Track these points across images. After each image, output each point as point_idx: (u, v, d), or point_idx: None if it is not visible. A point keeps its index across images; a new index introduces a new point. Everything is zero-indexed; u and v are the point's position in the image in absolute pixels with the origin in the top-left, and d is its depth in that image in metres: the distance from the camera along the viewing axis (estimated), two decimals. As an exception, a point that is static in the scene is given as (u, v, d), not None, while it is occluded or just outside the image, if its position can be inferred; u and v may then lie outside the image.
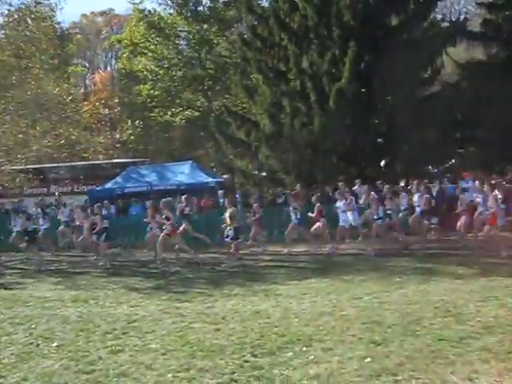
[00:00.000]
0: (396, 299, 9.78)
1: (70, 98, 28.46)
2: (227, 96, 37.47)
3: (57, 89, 26.26)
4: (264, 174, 24.20)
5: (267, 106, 22.76)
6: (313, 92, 21.24)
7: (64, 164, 28.66)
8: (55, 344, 8.14)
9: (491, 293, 9.84)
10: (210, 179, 24.45)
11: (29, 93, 24.76)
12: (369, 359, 6.53)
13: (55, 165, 28.86)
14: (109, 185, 25.59)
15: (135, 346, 7.80)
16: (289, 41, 22.27)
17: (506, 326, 7.61)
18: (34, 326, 9.32)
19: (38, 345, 8.20)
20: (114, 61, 55.90)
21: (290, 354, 6.97)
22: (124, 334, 8.50)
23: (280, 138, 22.15)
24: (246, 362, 6.78)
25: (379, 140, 22.61)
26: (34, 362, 7.38)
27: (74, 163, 28.94)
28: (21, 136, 25.16)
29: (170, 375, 6.47)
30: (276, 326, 8.35)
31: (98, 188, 26.12)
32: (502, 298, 9.41)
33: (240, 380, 6.16)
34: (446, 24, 24.37)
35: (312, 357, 6.78)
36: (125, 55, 42.57)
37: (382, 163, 23.10)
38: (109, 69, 55.97)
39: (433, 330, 7.66)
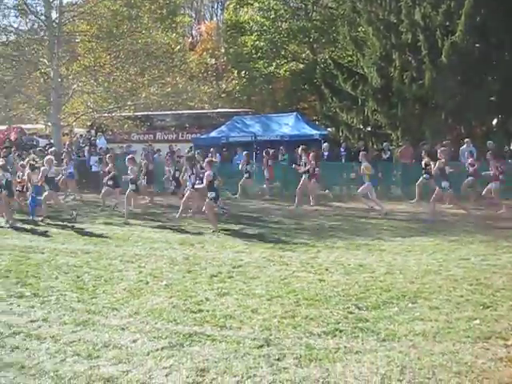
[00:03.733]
0: (505, 263, 9.45)
1: (178, 47, 28.81)
2: (333, 49, 36.78)
3: (165, 38, 26.64)
4: (369, 128, 23.79)
5: (376, 58, 22.24)
6: (424, 45, 20.54)
7: (170, 112, 29.22)
8: (164, 283, 8.45)
9: None
10: (315, 131, 24.21)
11: (139, 41, 25.32)
12: (477, 321, 6.39)
13: (162, 112, 29.50)
14: (213, 133, 25.90)
15: (241, 290, 7.98)
16: (401, -9, 21.50)
17: None
18: (143, 265, 9.72)
19: (148, 282, 8.55)
20: (220, 11, 55.99)
21: (396, 309, 6.94)
22: (230, 277, 8.71)
23: (388, 93, 21.67)
24: (351, 313, 6.81)
25: (492, 98, 21.59)
26: (145, 298, 7.70)
27: (180, 111, 29.45)
28: (130, 84, 25.92)
29: (275, 320, 6.58)
30: (380, 281, 8.32)
31: (202, 136, 26.53)
32: None
33: (345, 330, 6.20)
34: None
35: (418, 313, 6.73)
36: (231, 6, 42.49)
37: (494, 122, 22.16)
38: (215, 19, 56.07)
39: (545, 297, 7.37)
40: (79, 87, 26.37)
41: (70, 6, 27.32)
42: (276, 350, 5.72)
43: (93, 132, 29.26)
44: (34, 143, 28.25)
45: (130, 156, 16.68)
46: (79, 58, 27.29)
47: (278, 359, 5.48)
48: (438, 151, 14.75)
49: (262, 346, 5.82)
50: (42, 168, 15.37)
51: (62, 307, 7.30)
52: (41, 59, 26.39)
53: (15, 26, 26.88)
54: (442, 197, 14.75)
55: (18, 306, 7.46)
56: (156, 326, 6.52)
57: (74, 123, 28.78)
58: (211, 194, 13.52)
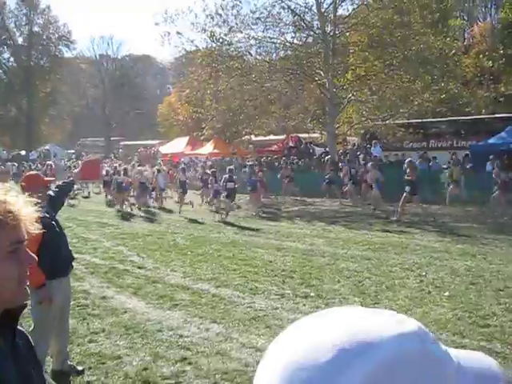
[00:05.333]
0: None
1: (453, 51, 27.97)
2: None
3: (438, 43, 26.05)
4: None
5: None
6: None
7: (445, 119, 28.45)
8: (446, 293, 8.24)
9: None
10: None
11: (412, 48, 25.11)
12: None
13: (436, 119, 28.85)
14: (492, 140, 24.58)
15: (532, 307, 7.47)
16: None
17: None
18: (423, 274, 9.58)
19: (430, 292, 8.41)
20: (494, 11, 53.18)
21: None
22: (522, 293, 8.20)
23: None
24: None
25: None
26: (427, 307, 7.60)
27: (455, 118, 28.52)
28: (403, 91, 25.82)
29: None
30: None
31: (480, 143, 25.34)
32: None
33: None
34: None
35: None
36: (507, 4, 40.00)
37: None
38: (488, 19, 53.37)
39: None
40: (354, 96, 27.00)
41: (343, 18, 28.09)
42: None
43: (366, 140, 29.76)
44: (311, 151, 29.58)
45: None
46: (352, 67, 27.96)
47: None
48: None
49: None
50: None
51: (346, 310, 7.47)
52: (317, 71, 27.57)
53: (291, 41, 28.41)
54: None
55: (304, 305, 7.87)
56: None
57: (348, 132, 29.57)
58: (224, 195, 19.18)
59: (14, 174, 34.77)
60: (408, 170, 17.37)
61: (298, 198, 23.89)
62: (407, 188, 17.09)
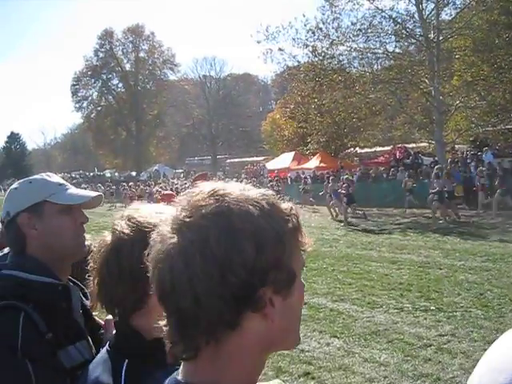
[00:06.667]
0: None
1: None
2: None
3: None
4: None
5: None
6: None
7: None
8: None
9: None
10: None
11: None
12: None
13: None
14: None
15: None
16: None
17: None
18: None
19: None
20: None
21: None
22: None
23: None
24: None
25: None
26: None
27: None
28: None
29: None
30: None
31: None
32: None
33: None
34: None
35: None
36: None
37: None
38: None
39: None
40: (461, 103, 26.26)
41: (447, 23, 27.48)
42: None
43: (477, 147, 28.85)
44: (419, 161, 28.96)
45: None
46: (458, 73, 27.25)
47: None
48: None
49: None
50: None
51: (469, 324, 7.32)
52: (421, 79, 27.09)
53: (391, 50, 28.13)
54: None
55: (425, 319, 7.74)
56: None
57: (457, 139, 28.80)
58: None
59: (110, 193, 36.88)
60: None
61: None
62: (345, 199, 20.55)
